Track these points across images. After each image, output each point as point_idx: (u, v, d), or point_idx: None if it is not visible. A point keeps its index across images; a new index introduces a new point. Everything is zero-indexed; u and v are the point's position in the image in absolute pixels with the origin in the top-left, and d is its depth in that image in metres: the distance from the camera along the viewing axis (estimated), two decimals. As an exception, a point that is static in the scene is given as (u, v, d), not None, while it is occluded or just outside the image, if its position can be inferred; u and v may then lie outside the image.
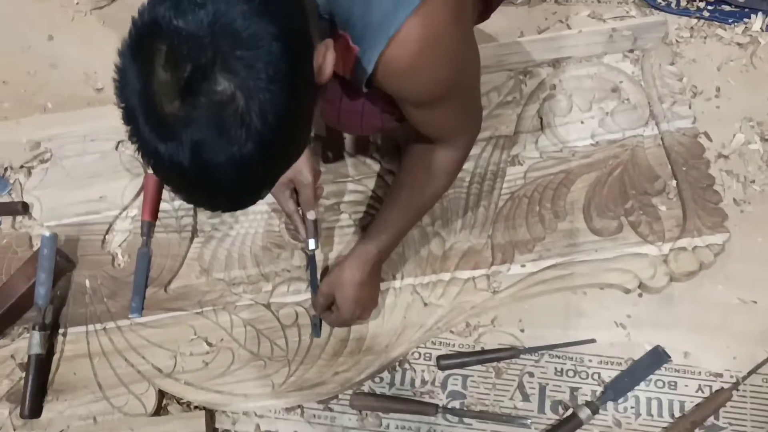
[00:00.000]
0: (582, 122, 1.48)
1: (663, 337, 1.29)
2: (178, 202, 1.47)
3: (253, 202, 0.86)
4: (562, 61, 1.55)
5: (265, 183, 0.84)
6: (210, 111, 0.73)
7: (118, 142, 1.54)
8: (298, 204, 1.33)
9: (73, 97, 1.69)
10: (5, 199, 1.52)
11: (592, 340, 1.30)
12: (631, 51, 1.54)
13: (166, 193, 1.48)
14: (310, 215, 1.32)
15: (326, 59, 0.85)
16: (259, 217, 1.45)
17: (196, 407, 1.31)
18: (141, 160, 1.36)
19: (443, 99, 1.02)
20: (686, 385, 1.26)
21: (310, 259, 1.35)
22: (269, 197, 1.36)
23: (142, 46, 0.74)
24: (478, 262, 1.36)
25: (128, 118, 0.76)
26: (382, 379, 1.32)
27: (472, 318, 1.34)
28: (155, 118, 0.74)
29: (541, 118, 1.49)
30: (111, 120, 1.53)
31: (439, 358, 1.31)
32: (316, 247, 1.34)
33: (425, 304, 1.34)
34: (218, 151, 0.74)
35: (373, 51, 0.91)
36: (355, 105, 1.12)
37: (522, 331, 1.32)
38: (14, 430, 1.30)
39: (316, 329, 1.33)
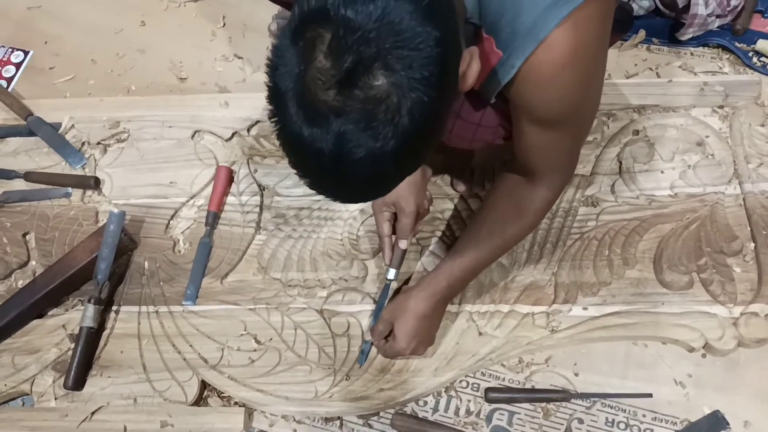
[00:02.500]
0: (662, 172, 1.44)
1: (724, 402, 1.24)
2: (246, 197, 1.48)
3: (375, 197, 0.87)
4: (648, 108, 1.52)
5: (393, 181, 0.84)
6: (363, 105, 0.73)
7: (195, 132, 1.56)
8: (393, 230, 1.31)
9: (157, 83, 1.72)
10: (79, 172, 1.55)
11: (649, 395, 1.25)
12: (721, 107, 1.51)
13: (234, 187, 1.49)
14: (402, 244, 1.28)
15: (471, 68, 0.86)
16: (322, 223, 1.45)
17: (236, 403, 1.30)
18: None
19: (565, 121, 1.01)
20: (743, 457, 1.21)
21: (385, 287, 1.32)
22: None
23: (306, 29, 0.74)
24: (539, 298, 1.33)
25: (275, 98, 0.77)
26: (426, 402, 1.28)
27: (526, 354, 1.30)
28: (307, 102, 0.74)
29: (621, 163, 1.46)
30: (191, 110, 1.59)
31: (488, 390, 1.27)
32: (395, 278, 1.31)
33: (480, 333, 1.30)
34: (361, 146, 0.74)
35: (518, 55, 0.91)
36: (474, 116, 1.12)
37: (576, 375, 1.28)
38: (55, 399, 1.31)
39: (362, 357, 1.30)
